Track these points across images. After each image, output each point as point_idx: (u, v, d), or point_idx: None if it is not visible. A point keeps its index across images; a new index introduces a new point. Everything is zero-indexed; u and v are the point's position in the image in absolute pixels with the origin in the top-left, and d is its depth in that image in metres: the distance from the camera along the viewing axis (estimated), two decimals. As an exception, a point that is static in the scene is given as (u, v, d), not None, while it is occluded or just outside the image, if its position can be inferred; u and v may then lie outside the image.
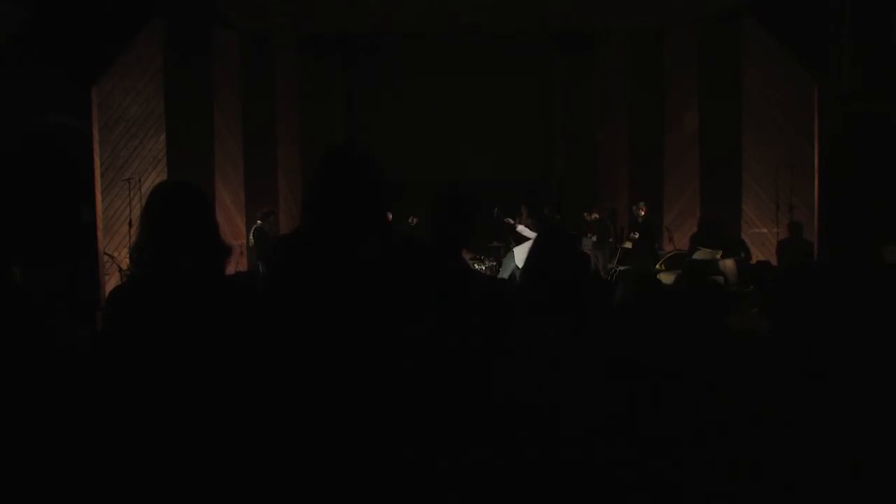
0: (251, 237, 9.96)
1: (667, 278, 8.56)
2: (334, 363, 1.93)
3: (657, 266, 9.66)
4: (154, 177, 9.06)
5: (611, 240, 10.74)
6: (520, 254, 8.46)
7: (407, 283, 2.01)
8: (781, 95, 9.62)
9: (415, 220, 9.91)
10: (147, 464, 1.97)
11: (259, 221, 9.89)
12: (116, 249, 8.84)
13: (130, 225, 8.55)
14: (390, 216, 9.74)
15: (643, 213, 10.41)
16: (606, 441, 2.42)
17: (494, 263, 9.49)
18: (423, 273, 2.10)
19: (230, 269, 2.21)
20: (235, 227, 10.53)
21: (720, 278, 8.42)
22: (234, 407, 1.99)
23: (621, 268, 9.81)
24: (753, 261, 9.56)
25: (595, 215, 10.62)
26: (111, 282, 8.69)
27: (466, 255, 8.52)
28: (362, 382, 1.92)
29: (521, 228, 9.10)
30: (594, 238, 10.37)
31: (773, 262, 9.32)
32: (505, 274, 8.62)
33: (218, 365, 2.00)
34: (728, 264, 9.05)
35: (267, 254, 9.47)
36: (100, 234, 8.95)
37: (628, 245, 10.48)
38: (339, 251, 1.98)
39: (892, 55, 8.86)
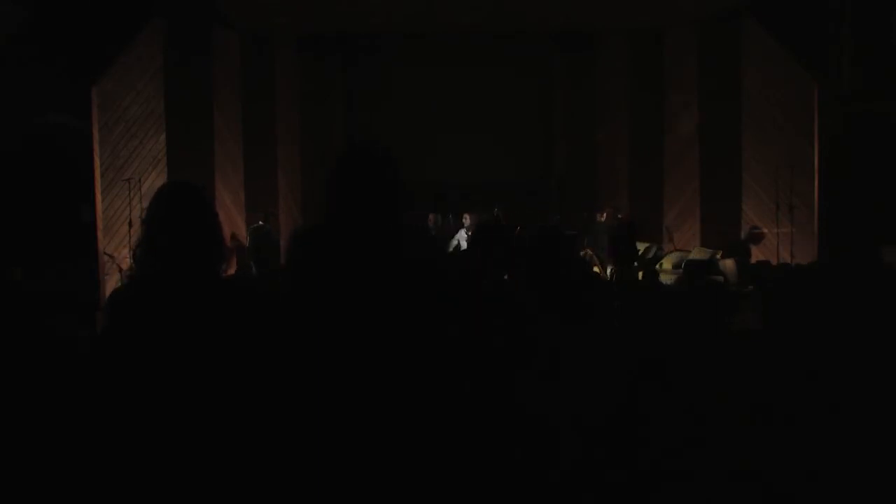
0: (248, 235, 9.95)
1: (667, 278, 8.57)
2: (350, 364, 1.93)
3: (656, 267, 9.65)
4: (154, 177, 9.06)
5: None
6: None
7: (427, 287, 2.01)
8: (781, 95, 9.62)
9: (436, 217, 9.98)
10: (146, 464, 1.97)
11: (261, 222, 9.90)
12: (116, 249, 8.85)
13: (130, 225, 8.55)
14: (433, 218, 9.95)
15: (604, 218, 10.28)
16: (607, 441, 2.42)
17: None
18: (448, 279, 2.11)
19: (229, 271, 2.21)
20: (235, 227, 10.52)
21: (720, 278, 8.42)
22: (235, 409, 1.99)
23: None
24: (753, 261, 9.57)
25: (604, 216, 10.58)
26: (111, 282, 8.69)
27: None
28: (377, 384, 1.92)
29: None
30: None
31: (774, 261, 9.33)
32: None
33: (218, 366, 2.00)
34: (728, 264, 9.06)
35: (263, 256, 9.41)
36: (100, 234, 8.95)
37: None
38: (357, 250, 1.98)
39: (892, 55, 8.86)
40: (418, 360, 1.97)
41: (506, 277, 2.84)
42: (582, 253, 9.38)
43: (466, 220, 10.01)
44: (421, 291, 2.01)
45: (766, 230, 9.76)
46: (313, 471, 1.92)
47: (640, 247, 10.29)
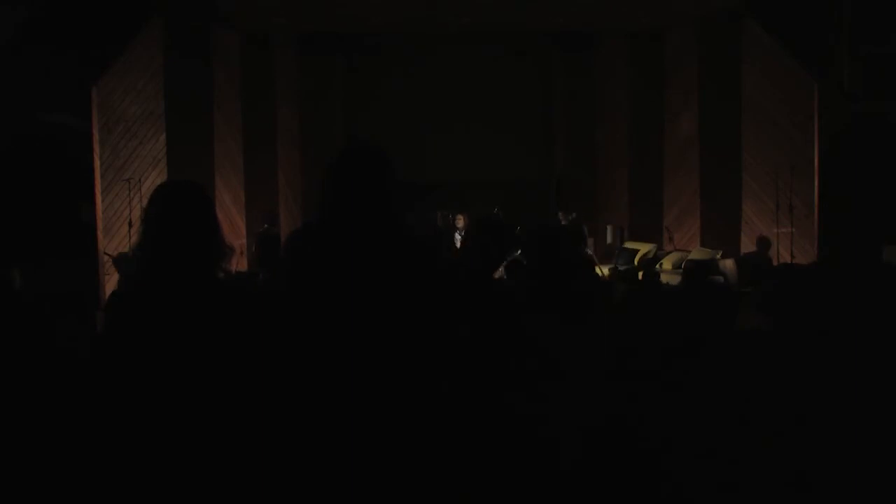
0: (255, 243, 9.91)
1: (667, 278, 8.56)
2: (347, 362, 1.92)
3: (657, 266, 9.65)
4: (154, 177, 9.06)
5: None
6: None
7: (425, 285, 2.02)
8: (782, 95, 9.61)
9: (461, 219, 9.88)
10: (146, 464, 1.97)
11: (266, 225, 9.87)
12: (116, 249, 8.85)
13: (130, 225, 8.55)
14: (440, 216, 9.87)
15: (563, 220, 10.20)
16: (606, 441, 2.42)
17: None
18: (448, 281, 2.13)
19: (230, 270, 2.21)
20: (235, 227, 10.52)
21: (720, 278, 8.42)
22: (235, 408, 1.98)
23: (621, 267, 9.81)
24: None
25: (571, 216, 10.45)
26: (111, 282, 8.69)
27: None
28: (374, 382, 1.92)
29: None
30: None
31: (774, 261, 9.33)
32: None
33: (218, 366, 2.00)
34: (728, 264, 9.06)
35: (271, 261, 9.36)
36: (100, 234, 8.95)
37: (629, 245, 10.46)
38: (353, 248, 1.98)
39: (893, 55, 8.86)
40: (415, 357, 1.96)
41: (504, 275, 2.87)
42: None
43: (460, 221, 9.87)
44: (417, 288, 2.01)
45: (765, 234, 9.79)
46: (312, 469, 1.92)
47: (640, 247, 10.31)
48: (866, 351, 2.49)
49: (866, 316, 2.64)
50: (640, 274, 9.12)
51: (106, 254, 8.76)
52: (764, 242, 9.66)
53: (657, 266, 9.75)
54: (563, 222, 10.22)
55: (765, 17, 9.60)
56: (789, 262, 8.92)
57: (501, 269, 8.90)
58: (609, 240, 11.38)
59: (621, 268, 9.80)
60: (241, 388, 1.99)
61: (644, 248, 10.33)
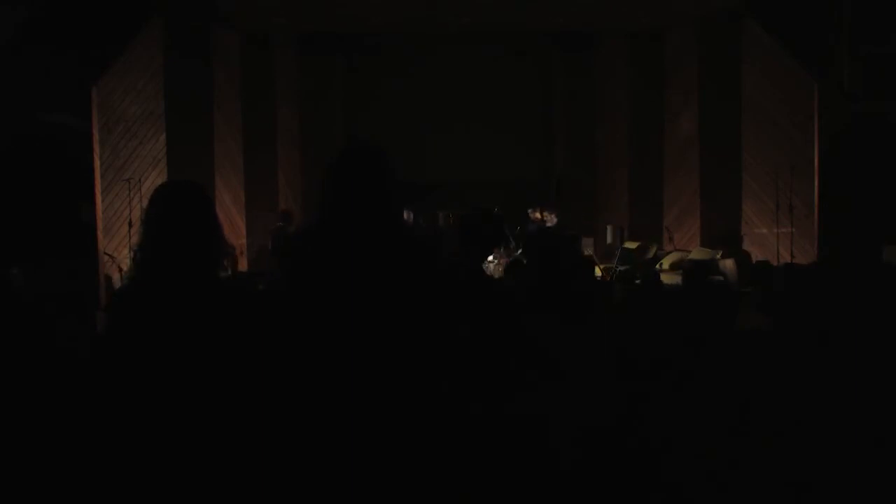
0: (270, 241, 9.93)
1: (669, 279, 8.56)
2: (347, 361, 1.93)
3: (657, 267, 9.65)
4: (154, 177, 9.07)
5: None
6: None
7: (426, 285, 2.03)
8: (781, 95, 9.62)
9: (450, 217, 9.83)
10: (146, 464, 1.97)
11: (280, 223, 9.89)
12: (116, 249, 8.85)
13: (130, 225, 8.56)
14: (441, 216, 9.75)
15: (539, 217, 10.09)
16: (606, 441, 2.42)
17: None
18: (449, 278, 2.13)
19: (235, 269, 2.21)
20: (235, 227, 10.53)
21: (720, 278, 8.42)
22: (237, 409, 1.99)
23: (621, 268, 9.81)
24: (752, 261, 9.56)
25: (537, 215, 10.37)
26: (111, 282, 8.69)
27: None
28: (374, 381, 1.92)
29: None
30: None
31: (773, 261, 9.32)
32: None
33: (219, 367, 2.00)
34: (728, 264, 9.06)
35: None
36: (100, 234, 8.95)
37: (629, 245, 10.46)
38: (353, 248, 1.98)
39: (893, 55, 8.86)
40: (415, 357, 1.97)
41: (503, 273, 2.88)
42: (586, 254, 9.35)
43: None
44: (417, 288, 2.01)
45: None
46: (313, 468, 1.92)
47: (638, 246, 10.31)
48: (866, 351, 2.49)
49: (866, 316, 2.65)
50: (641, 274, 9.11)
51: (106, 254, 8.77)
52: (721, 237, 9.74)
53: (657, 266, 9.75)
54: (548, 224, 10.16)
55: (765, 17, 9.60)
56: (789, 261, 8.92)
57: (501, 268, 8.93)
58: (609, 240, 11.38)
59: (621, 268, 9.80)
60: (242, 387, 2.00)
61: (638, 246, 10.32)
